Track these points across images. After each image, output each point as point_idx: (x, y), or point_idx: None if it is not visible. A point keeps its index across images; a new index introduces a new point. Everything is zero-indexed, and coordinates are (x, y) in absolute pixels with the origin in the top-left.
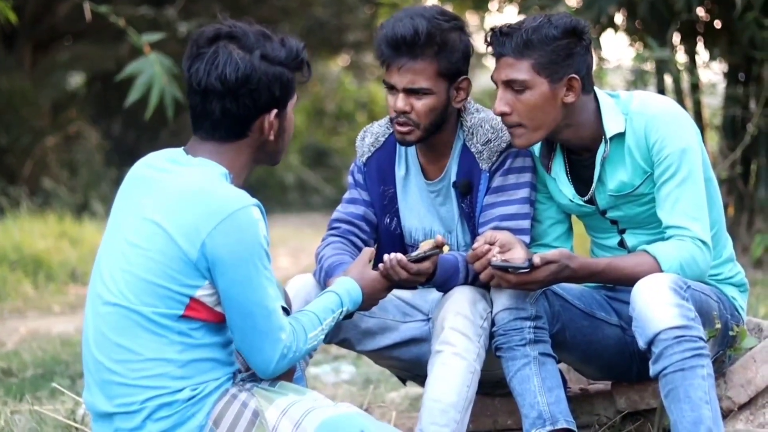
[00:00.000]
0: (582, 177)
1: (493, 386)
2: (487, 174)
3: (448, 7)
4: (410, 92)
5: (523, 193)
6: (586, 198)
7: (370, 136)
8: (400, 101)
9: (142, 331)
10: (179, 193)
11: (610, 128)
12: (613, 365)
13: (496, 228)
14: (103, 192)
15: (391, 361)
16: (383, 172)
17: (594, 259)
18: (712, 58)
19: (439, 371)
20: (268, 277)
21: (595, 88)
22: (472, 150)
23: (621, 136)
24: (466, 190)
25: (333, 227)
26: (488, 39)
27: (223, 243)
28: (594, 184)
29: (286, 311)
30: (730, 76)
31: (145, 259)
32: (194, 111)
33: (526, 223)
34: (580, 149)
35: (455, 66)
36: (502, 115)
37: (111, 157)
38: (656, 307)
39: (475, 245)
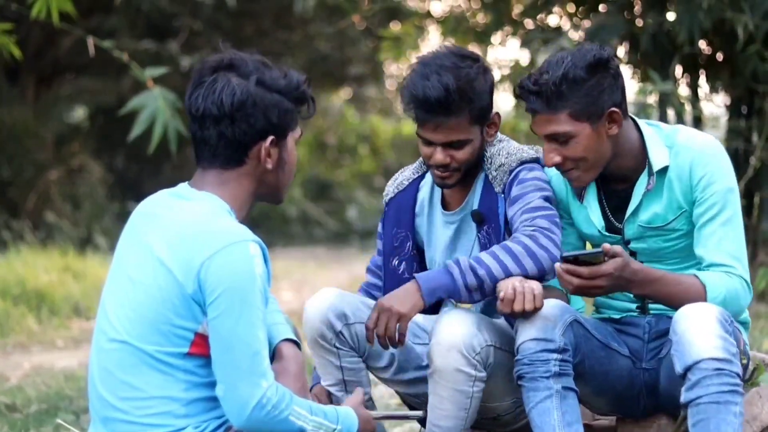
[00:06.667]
0: (613, 207)
1: (491, 422)
2: (501, 196)
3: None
4: (448, 146)
5: (544, 194)
6: (615, 227)
7: (400, 177)
8: (439, 155)
9: (147, 369)
10: (180, 228)
11: (657, 161)
12: (623, 398)
13: (524, 213)
14: (106, 226)
15: (399, 386)
16: (399, 215)
17: (650, 268)
18: (715, 91)
19: (435, 397)
20: (259, 317)
21: (634, 117)
22: (489, 178)
23: (663, 168)
24: (479, 220)
25: (367, 276)
26: (517, 94)
27: (213, 272)
28: (627, 214)
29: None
30: (733, 109)
31: (146, 296)
32: (194, 139)
33: (555, 218)
34: (617, 179)
35: (486, 109)
36: (555, 165)
37: (114, 191)
38: (701, 334)
39: (501, 294)
